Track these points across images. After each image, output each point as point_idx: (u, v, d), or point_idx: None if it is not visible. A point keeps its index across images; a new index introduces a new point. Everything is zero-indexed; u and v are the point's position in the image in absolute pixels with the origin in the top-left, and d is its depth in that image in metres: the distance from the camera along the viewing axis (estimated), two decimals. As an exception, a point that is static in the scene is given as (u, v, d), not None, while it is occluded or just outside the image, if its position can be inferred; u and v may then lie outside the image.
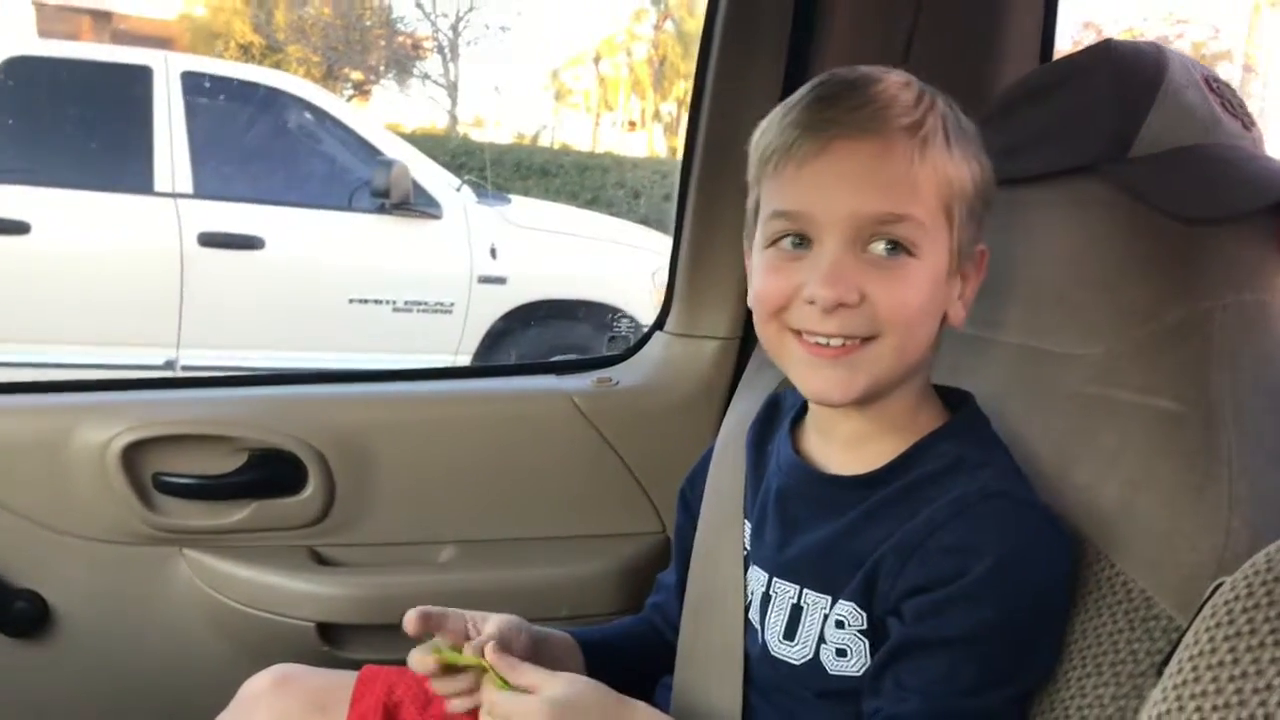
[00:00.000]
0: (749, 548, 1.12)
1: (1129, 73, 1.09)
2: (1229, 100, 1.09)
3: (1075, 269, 1.12)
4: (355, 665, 1.25)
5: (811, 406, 1.09)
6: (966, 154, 0.97)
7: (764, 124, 1.01)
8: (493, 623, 1.05)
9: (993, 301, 1.13)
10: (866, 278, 0.94)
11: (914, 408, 1.03)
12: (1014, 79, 1.35)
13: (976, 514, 0.94)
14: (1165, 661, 0.75)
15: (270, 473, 1.59)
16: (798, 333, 0.98)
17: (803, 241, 0.97)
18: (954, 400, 1.07)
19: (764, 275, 0.99)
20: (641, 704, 0.97)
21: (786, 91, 1.58)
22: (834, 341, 0.96)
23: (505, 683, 0.97)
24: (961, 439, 1.01)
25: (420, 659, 1.01)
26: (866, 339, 0.96)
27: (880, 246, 0.94)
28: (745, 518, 1.14)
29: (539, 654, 1.07)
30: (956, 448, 1.00)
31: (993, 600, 0.92)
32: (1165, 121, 1.06)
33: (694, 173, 1.66)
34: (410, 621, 1.02)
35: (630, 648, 1.26)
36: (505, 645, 1.01)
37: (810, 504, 1.06)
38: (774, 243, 0.99)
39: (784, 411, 1.16)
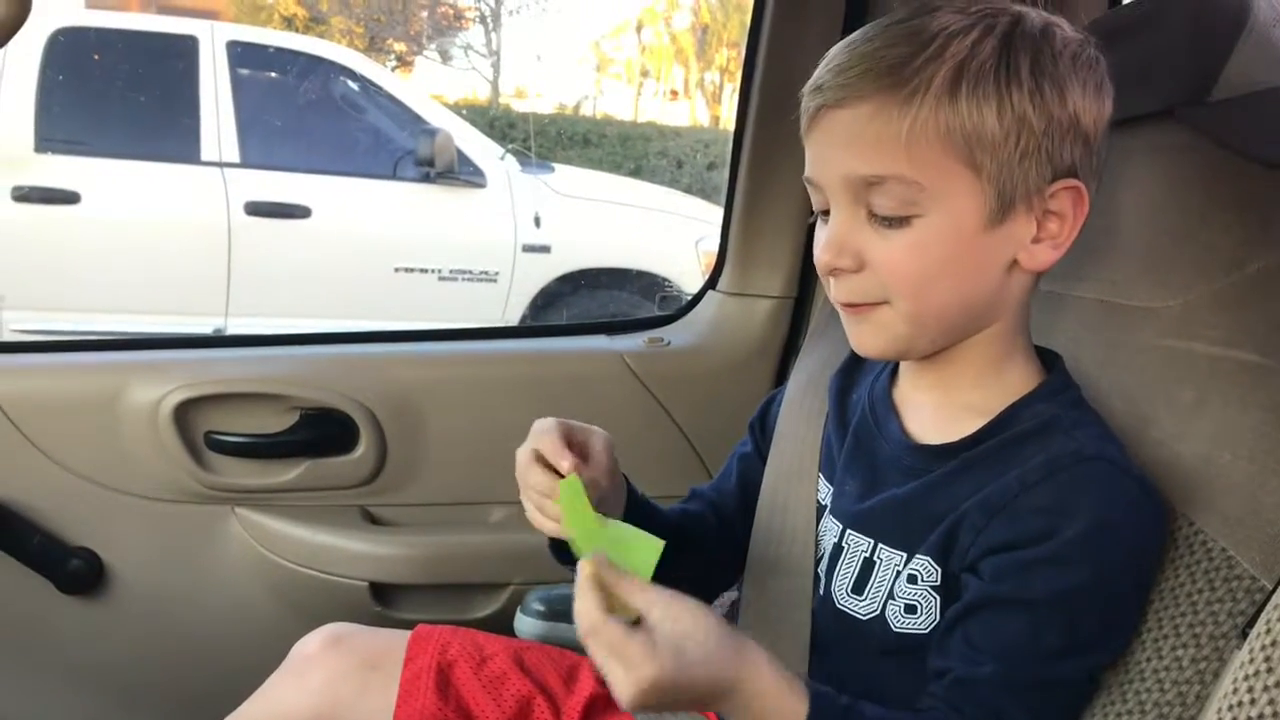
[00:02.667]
0: (826, 500, 1.09)
1: (1211, 10, 1.04)
2: (1317, 40, 1.04)
3: (1153, 218, 1.08)
4: (408, 625, 1.24)
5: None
6: (1006, 92, 0.89)
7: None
8: (600, 440, 1.04)
9: (1066, 255, 1.09)
10: (868, 243, 0.92)
11: (1000, 362, 0.99)
12: (1084, 23, 1.30)
13: (1071, 476, 0.91)
14: (1250, 623, 0.73)
15: (322, 432, 1.59)
16: None
17: (824, 211, 0.97)
18: (1046, 360, 1.03)
19: (815, 239, 0.99)
20: (753, 643, 0.89)
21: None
22: (846, 306, 0.96)
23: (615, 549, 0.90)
24: (1055, 400, 0.97)
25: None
26: (876, 303, 0.94)
27: (878, 210, 0.91)
28: (821, 470, 1.11)
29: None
30: (1050, 408, 0.96)
31: (1082, 564, 0.88)
32: (1249, 61, 1.02)
33: (748, 131, 1.64)
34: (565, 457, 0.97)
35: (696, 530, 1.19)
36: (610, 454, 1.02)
37: (895, 464, 1.03)
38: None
39: (869, 363, 1.13)
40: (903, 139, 0.88)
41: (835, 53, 0.94)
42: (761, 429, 1.26)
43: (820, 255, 0.94)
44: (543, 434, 1.00)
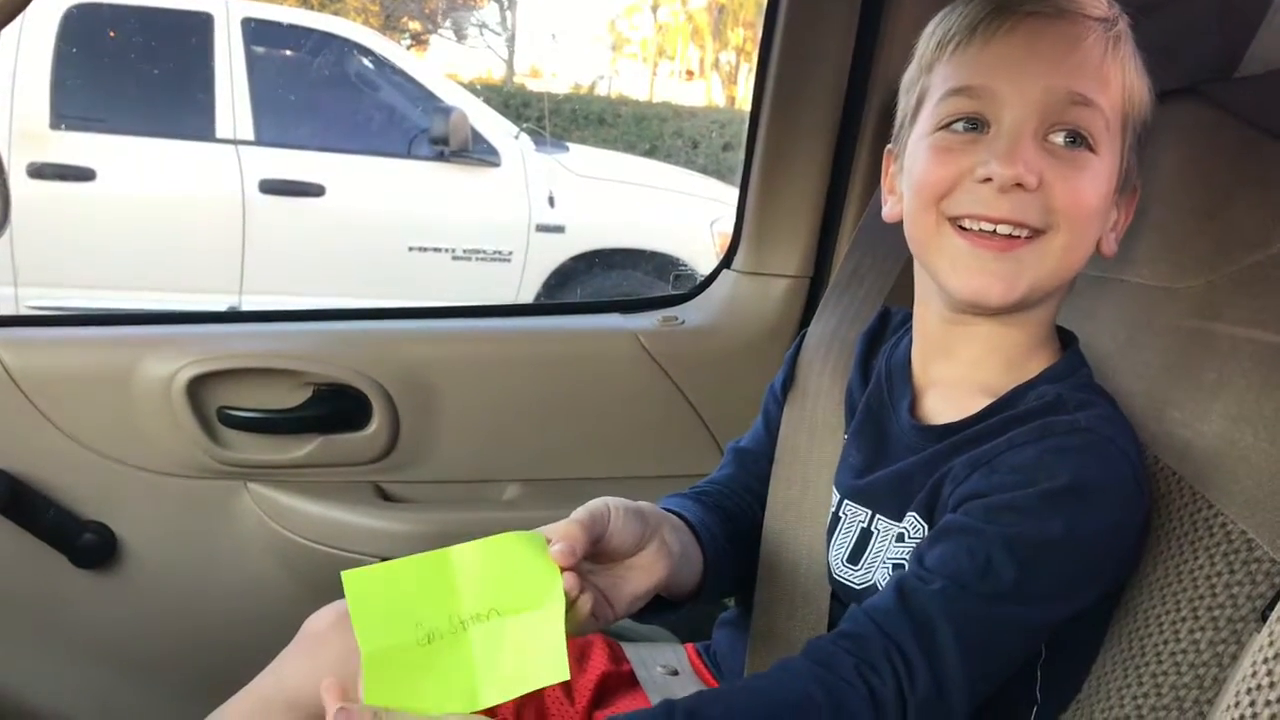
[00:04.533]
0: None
1: (1239, -14, 1.03)
2: (1345, 16, 1.03)
3: (1175, 197, 1.07)
4: (421, 602, 1.24)
5: (932, 328, 1.02)
6: (1145, 73, 0.94)
7: (940, 16, 0.97)
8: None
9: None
10: (1046, 164, 0.89)
11: (1030, 348, 0.98)
12: None
13: (1060, 442, 0.90)
14: (1270, 606, 0.72)
15: (335, 408, 1.58)
16: (958, 226, 0.92)
17: (977, 125, 0.92)
18: (1064, 340, 1.02)
19: (929, 158, 0.94)
20: None
21: (863, 23, 1.55)
22: (1001, 229, 0.90)
23: None
24: (1064, 382, 0.96)
25: None
26: (1034, 234, 0.90)
27: (1060, 137, 0.90)
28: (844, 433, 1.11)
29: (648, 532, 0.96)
30: (1057, 389, 0.95)
31: (1048, 518, 0.87)
32: (1275, 39, 1.01)
33: (765, 109, 1.62)
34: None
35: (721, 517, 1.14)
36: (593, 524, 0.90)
37: (901, 441, 1.02)
38: (945, 126, 0.93)
39: (891, 328, 1.12)
40: (1107, 74, 0.90)
41: None
42: (780, 395, 1.22)
43: (1003, 169, 0.88)
44: None
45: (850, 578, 1.01)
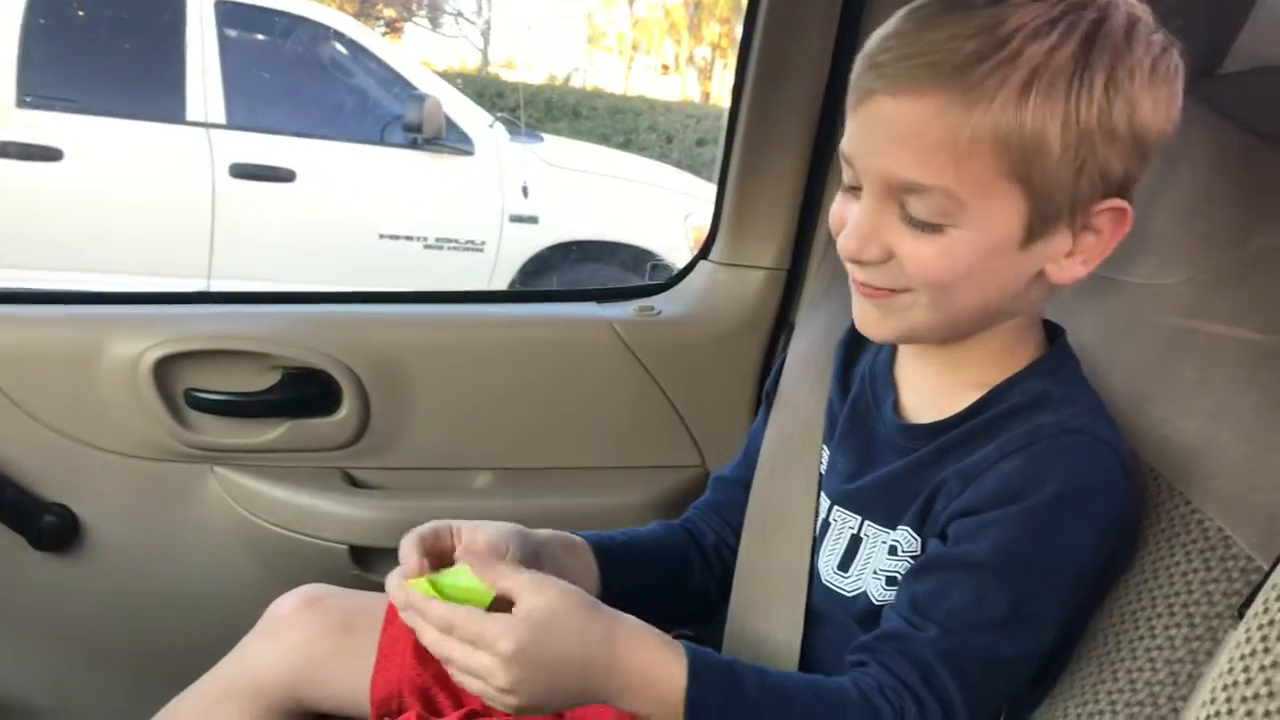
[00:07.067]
0: (823, 473, 1.08)
1: (1225, -18, 1.03)
2: (1330, 15, 1.03)
3: (1155, 194, 1.06)
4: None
5: None
6: (1074, 104, 0.82)
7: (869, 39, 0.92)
8: (484, 532, 0.99)
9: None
10: (897, 236, 0.88)
11: (1009, 348, 0.97)
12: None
13: (1049, 446, 0.89)
14: (1246, 603, 0.72)
15: (304, 392, 1.56)
16: None
17: (854, 186, 0.92)
18: (1051, 334, 1.01)
19: (835, 203, 0.95)
20: (629, 617, 0.89)
21: (844, 16, 1.55)
22: (866, 286, 0.93)
23: (454, 592, 0.89)
24: (1051, 376, 0.96)
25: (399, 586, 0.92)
26: (900, 290, 0.91)
27: (912, 214, 0.87)
28: (825, 442, 1.10)
29: (540, 563, 1.01)
30: (1042, 384, 0.94)
31: (1039, 533, 0.87)
32: (1262, 35, 1.01)
33: (745, 100, 1.61)
34: (410, 559, 0.95)
35: (651, 552, 1.18)
36: (493, 549, 0.96)
37: (888, 443, 1.02)
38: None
39: None
40: (957, 148, 0.83)
41: (900, 29, 0.87)
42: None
43: (845, 243, 0.90)
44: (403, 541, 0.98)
45: (841, 585, 1.01)
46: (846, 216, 0.92)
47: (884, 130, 0.86)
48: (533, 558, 1.01)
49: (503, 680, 0.82)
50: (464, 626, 0.84)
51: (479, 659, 0.83)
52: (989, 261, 0.88)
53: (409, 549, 0.96)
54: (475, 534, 0.99)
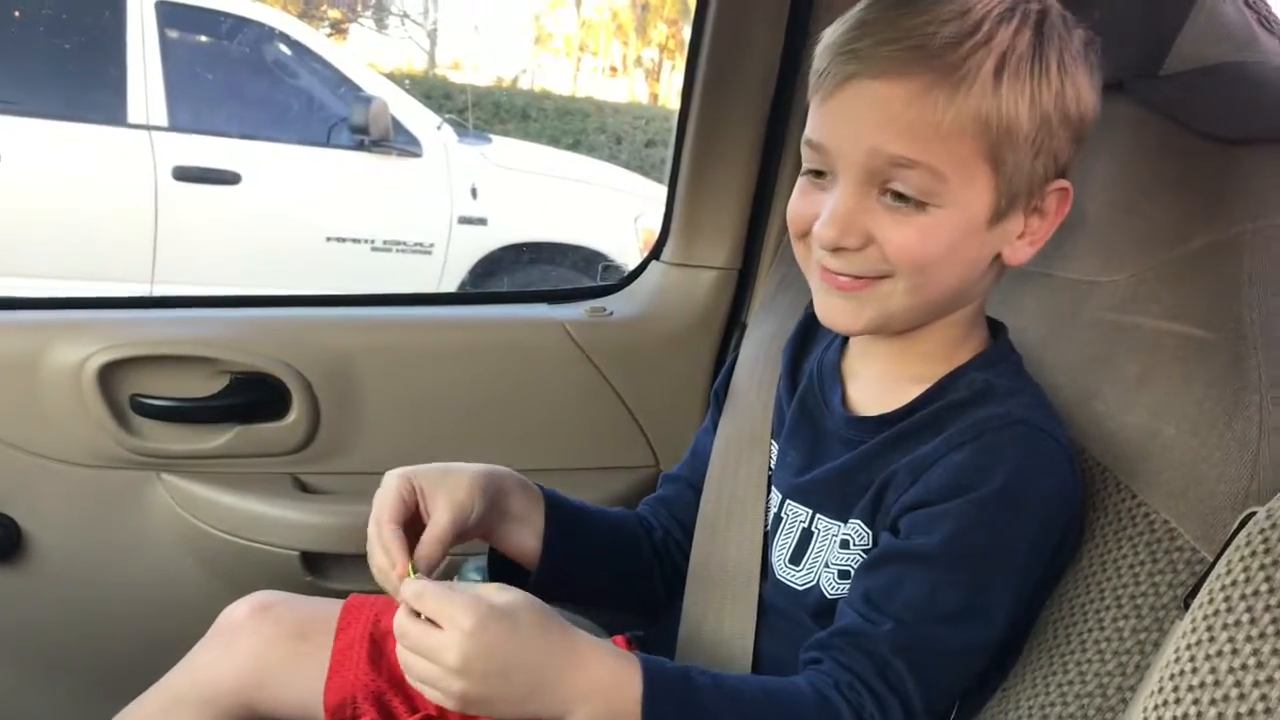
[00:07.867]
0: (773, 468, 1.09)
1: (1163, -15, 1.05)
2: (1266, 17, 1.05)
3: (1099, 192, 1.08)
4: (340, 595, 1.21)
5: None
6: (1037, 87, 0.88)
7: (825, 33, 0.94)
8: (442, 510, 1.00)
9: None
10: (876, 220, 0.90)
11: (957, 340, 0.99)
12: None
13: (995, 438, 0.91)
14: (1191, 594, 0.73)
15: (253, 397, 1.54)
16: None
17: (823, 174, 0.93)
18: (993, 329, 1.03)
19: (794, 197, 0.96)
20: (581, 633, 0.90)
21: (792, 16, 1.56)
22: (842, 277, 0.93)
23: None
24: (995, 369, 0.98)
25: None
26: (878, 276, 0.92)
27: (888, 197, 0.89)
28: (773, 438, 1.11)
29: (501, 509, 1.07)
30: (987, 377, 0.96)
31: (988, 524, 0.89)
32: (1200, 37, 1.03)
33: (695, 100, 1.62)
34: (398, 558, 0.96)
35: (602, 530, 1.19)
36: (458, 525, 1.00)
37: (836, 436, 1.03)
38: (805, 170, 0.95)
39: (822, 331, 1.12)
40: (943, 127, 0.86)
41: (868, 18, 0.90)
42: (722, 397, 1.24)
43: (823, 232, 0.90)
44: (381, 523, 0.99)
45: (794, 579, 1.02)
46: (810, 208, 0.93)
47: (868, 110, 0.88)
48: (493, 512, 1.06)
49: (453, 658, 0.82)
50: (433, 597, 0.85)
51: (435, 636, 0.84)
52: (965, 240, 0.91)
53: (394, 544, 0.96)
54: (440, 516, 1.00)
